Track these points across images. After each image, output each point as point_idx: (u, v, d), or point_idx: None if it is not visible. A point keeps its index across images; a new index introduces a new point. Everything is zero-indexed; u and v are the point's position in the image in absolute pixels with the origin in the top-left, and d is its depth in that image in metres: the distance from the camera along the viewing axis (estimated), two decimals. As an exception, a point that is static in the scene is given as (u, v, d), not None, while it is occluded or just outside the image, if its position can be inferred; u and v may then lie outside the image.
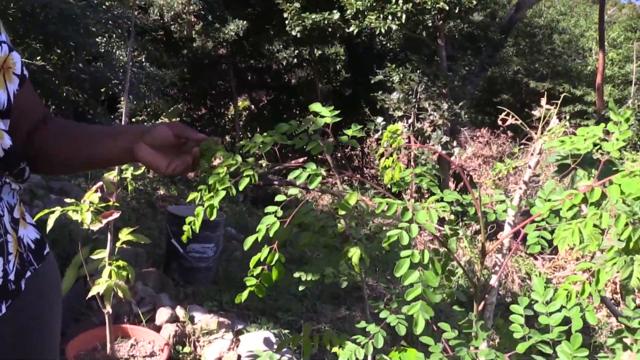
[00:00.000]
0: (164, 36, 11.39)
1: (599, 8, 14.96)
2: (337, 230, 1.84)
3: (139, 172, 2.87)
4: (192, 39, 11.57)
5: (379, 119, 9.27)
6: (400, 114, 9.79)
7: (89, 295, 2.52)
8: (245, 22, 10.72)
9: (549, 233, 1.48)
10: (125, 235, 2.57)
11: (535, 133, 1.48)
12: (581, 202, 1.38)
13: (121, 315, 3.47)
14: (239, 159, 1.29)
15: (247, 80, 13.79)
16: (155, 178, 7.42)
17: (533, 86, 17.59)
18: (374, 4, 8.97)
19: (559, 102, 1.39)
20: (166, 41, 11.73)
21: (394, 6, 8.76)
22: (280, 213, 1.33)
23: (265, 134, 1.38)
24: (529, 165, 1.36)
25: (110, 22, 6.21)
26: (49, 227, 2.41)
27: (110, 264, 2.54)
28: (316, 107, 1.48)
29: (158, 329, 3.45)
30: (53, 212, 2.45)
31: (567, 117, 14.56)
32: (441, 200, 1.57)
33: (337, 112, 1.47)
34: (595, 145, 1.50)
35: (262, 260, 1.34)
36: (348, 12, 9.33)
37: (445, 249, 1.53)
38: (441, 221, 1.51)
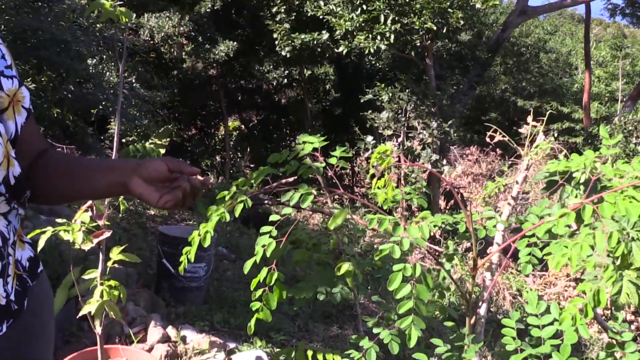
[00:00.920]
0: (154, 57, 11.43)
1: (584, 27, 15.17)
2: (330, 247, 1.85)
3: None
4: (183, 59, 11.63)
5: (369, 138, 9.32)
6: (389, 132, 9.85)
7: (80, 314, 2.50)
8: (235, 43, 10.78)
9: (539, 250, 1.50)
10: (116, 254, 2.56)
11: (523, 150, 1.51)
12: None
13: (112, 336, 3.45)
14: (234, 189, 1.31)
15: (238, 100, 13.84)
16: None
17: (521, 104, 17.75)
18: (363, 25, 9.06)
19: (545, 119, 1.42)
20: (157, 62, 11.77)
21: (383, 26, 8.85)
22: (275, 233, 1.34)
23: (259, 169, 1.40)
24: (517, 180, 1.39)
25: (101, 44, 6.24)
26: (39, 247, 2.40)
27: (102, 284, 2.53)
28: (305, 137, 1.52)
29: (150, 349, 3.43)
30: (44, 232, 2.44)
31: (556, 135, 14.69)
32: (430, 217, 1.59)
33: (324, 138, 1.51)
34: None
35: (261, 281, 1.34)
36: (337, 32, 9.41)
37: (440, 267, 1.54)
38: (431, 239, 1.53)
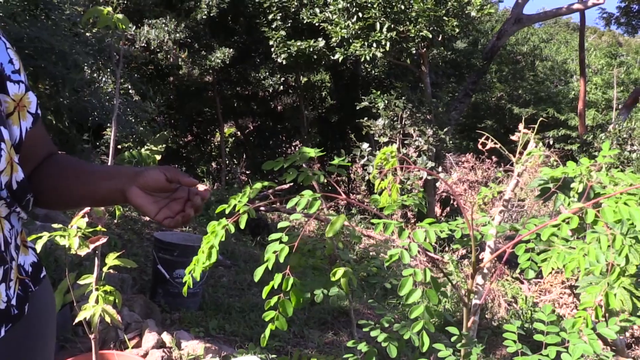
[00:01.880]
0: (150, 64, 11.44)
1: (579, 35, 15.25)
2: (325, 252, 1.87)
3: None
4: (179, 66, 11.64)
5: (365, 145, 9.35)
6: (385, 139, 9.87)
7: (76, 320, 2.50)
8: (231, 49, 10.80)
9: (537, 256, 1.51)
10: (112, 259, 2.57)
11: (515, 157, 1.53)
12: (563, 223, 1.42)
13: (107, 342, 3.45)
14: (233, 202, 1.31)
15: (233, 107, 13.85)
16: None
17: (516, 112, 17.81)
18: (359, 32, 9.10)
19: (536, 127, 1.44)
20: (152, 69, 11.79)
21: (379, 34, 8.89)
22: (285, 239, 1.33)
23: (256, 183, 1.40)
24: (509, 185, 1.40)
25: (98, 54, 6.25)
26: (37, 253, 2.40)
27: (97, 289, 2.53)
28: (304, 149, 1.53)
29: (144, 354, 3.43)
30: (40, 237, 2.45)
31: (551, 142, 14.74)
32: (434, 222, 1.60)
33: (319, 144, 1.52)
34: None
35: (275, 288, 1.32)
36: (333, 39, 9.45)
37: (441, 273, 1.56)
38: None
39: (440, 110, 10.29)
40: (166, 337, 3.59)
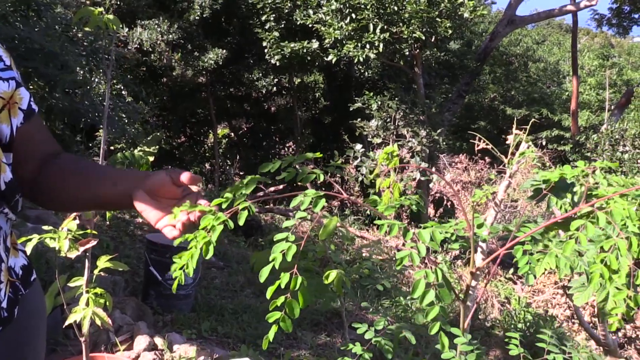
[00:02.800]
0: (143, 65, 11.42)
1: (572, 37, 15.31)
2: (317, 254, 1.85)
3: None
4: (172, 67, 11.62)
5: (358, 146, 9.35)
6: (378, 140, 9.88)
7: (67, 323, 2.49)
8: (224, 51, 10.79)
9: (533, 257, 1.50)
10: (103, 262, 2.55)
11: (507, 158, 1.52)
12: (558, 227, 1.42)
13: (98, 344, 3.43)
14: (230, 195, 1.27)
15: (227, 108, 13.83)
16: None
17: (510, 113, 17.86)
18: (352, 33, 9.10)
19: (529, 128, 1.43)
20: (146, 70, 11.76)
21: (372, 35, 8.90)
22: (292, 238, 1.30)
23: (249, 177, 1.36)
24: (500, 186, 1.40)
25: (90, 56, 6.23)
26: (27, 256, 2.39)
27: (87, 292, 2.52)
28: (301, 156, 1.52)
29: (136, 357, 3.41)
30: (30, 239, 2.43)
31: (544, 143, 14.79)
32: (436, 225, 1.60)
33: (312, 144, 1.51)
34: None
35: (282, 287, 1.29)
36: (326, 41, 9.45)
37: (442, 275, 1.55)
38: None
39: (433, 111, 10.30)
40: (158, 339, 3.57)
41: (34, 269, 1.26)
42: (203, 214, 1.15)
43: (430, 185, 10.55)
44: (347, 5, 9.09)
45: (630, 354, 5.94)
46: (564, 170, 1.57)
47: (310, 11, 10.01)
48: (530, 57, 19.59)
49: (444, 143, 10.43)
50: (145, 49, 10.02)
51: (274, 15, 10.55)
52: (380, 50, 8.93)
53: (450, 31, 9.00)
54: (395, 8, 8.86)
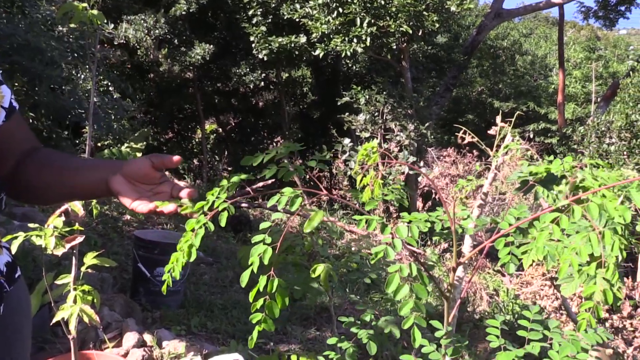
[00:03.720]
0: (129, 62, 11.34)
1: (558, 29, 15.37)
2: (304, 249, 1.85)
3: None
4: (159, 62, 11.55)
5: (346, 140, 9.35)
6: (367, 135, 9.89)
7: (54, 320, 2.47)
8: (211, 45, 10.74)
9: (516, 248, 1.51)
10: (90, 259, 2.53)
11: (493, 151, 1.53)
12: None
13: (87, 342, 3.41)
14: (211, 197, 1.28)
15: (214, 103, 13.78)
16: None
17: (497, 106, 17.92)
18: (339, 28, 9.09)
19: (514, 120, 1.44)
20: (132, 66, 11.68)
21: (359, 29, 8.89)
22: (269, 240, 1.30)
23: (232, 177, 1.36)
24: (486, 177, 1.40)
25: (75, 52, 6.19)
26: (12, 253, 2.37)
27: (75, 289, 2.50)
28: (284, 145, 1.51)
29: (125, 354, 3.40)
30: (16, 237, 2.41)
31: (532, 135, 14.85)
32: (415, 219, 1.60)
33: (301, 140, 1.50)
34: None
35: (261, 290, 1.30)
36: (314, 35, 9.43)
37: (422, 267, 1.55)
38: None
39: (421, 105, 10.32)
40: (147, 336, 3.56)
41: (18, 266, 1.25)
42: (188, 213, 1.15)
43: (419, 178, 10.57)
44: (334, -1, 9.08)
45: (617, 344, 6.00)
46: (552, 165, 1.58)
47: (297, 5, 9.98)
48: (517, 50, 19.66)
49: (432, 137, 10.45)
50: (131, 45, 9.96)
51: (260, 9, 10.51)
52: (368, 44, 8.93)
53: (437, 25, 9.00)
54: (382, 2, 8.85)
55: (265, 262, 1.28)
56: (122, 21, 9.93)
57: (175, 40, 10.95)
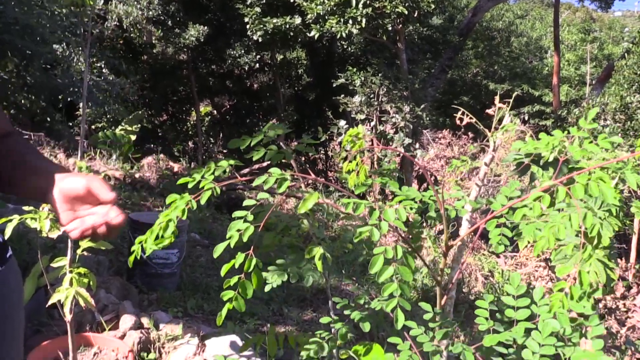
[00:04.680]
0: (123, 43, 11.26)
1: (553, 11, 15.31)
2: (300, 231, 1.85)
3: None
4: (152, 44, 11.47)
5: (342, 122, 9.33)
6: (362, 117, 9.86)
7: (49, 302, 2.47)
8: (205, 27, 10.67)
9: (509, 231, 1.52)
10: (86, 241, 2.53)
11: (490, 132, 1.52)
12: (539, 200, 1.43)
13: (83, 324, 3.42)
14: (197, 176, 1.27)
15: (209, 85, 13.72)
16: (117, 185, 7.32)
17: (492, 88, 17.90)
18: (334, 9, 9.02)
19: (511, 102, 1.43)
20: (126, 48, 11.60)
21: (354, 10, 8.83)
22: (251, 217, 1.30)
23: (222, 162, 1.35)
24: (485, 162, 1.40)
25: (67, 31, 6.14)
26: (6, 236, 2.36)
27: (71, 272, 2.50)
28: (273, 125, 1.50)
29: (122, 336, 3.41)
30: (11, 220, 2.40)
31: (526, 117, 14.85)
32: (405, 199, 1.60)
33: (297, 121, 1.49)
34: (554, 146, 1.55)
35: (237, 267, 1.29)
36: (309, 16, 9.36)
37: (411, 248, 1.55)
38: (405, 223, 1.53)
39: (416, 86, 10.29)
40: (144, 318, 3.57)
41: (9, 246, 1.24)
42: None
43: (415, 159, 10.57)
44: (329, -20, 9.01)
45: (611, 324, 6.05)
46: (541, 142, 1.57)
47: (292, -14, 9.90)
48: (512, 31, 19.60)
49: (428, 119, 10.43)
50: (124, 25, 9.87)
51: (255, -10, 10.43)
52: (363, 25, 8.87)
53: (432, 6, 8.96)
54: (378, -18, 8.79)
55: (245, 239, 1.27)
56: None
57: (169, 22, 10.87)
